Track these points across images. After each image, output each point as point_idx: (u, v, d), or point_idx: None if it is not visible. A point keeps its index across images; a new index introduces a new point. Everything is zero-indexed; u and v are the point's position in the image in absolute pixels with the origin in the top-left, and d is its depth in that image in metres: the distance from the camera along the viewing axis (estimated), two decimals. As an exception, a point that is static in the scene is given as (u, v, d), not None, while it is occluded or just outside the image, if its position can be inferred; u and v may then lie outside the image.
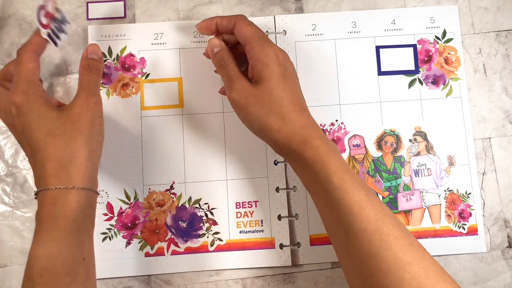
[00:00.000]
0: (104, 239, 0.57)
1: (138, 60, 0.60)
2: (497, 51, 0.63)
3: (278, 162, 0.59)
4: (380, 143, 0.60)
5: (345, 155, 0.60)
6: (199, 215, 0.58)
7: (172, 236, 0.58)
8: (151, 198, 0.58)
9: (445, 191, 0.60)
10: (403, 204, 0.59)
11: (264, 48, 0.48)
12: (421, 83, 0.61)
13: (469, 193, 0.60)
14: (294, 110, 0.47)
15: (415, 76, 0.62)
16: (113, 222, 0.57)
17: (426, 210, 0.59)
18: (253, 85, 0.48)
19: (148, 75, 0.60)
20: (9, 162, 0.59)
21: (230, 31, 0.52)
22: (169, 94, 0.60)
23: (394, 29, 0.62)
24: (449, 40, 0.62)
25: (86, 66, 0.49)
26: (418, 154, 0.60)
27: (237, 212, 0.59)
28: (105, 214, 0.58)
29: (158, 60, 0.61)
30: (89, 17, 0.61)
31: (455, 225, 0.59)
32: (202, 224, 0.58)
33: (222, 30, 0.53)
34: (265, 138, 0.49)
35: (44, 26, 0.49)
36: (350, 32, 0.62)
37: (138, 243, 0.57)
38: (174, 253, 0.57)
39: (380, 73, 0.61)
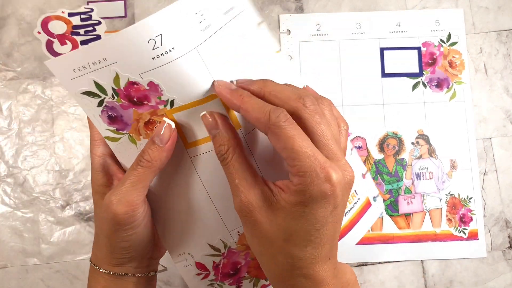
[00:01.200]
0: None
1: (147, 87, 0.38)
2: (498, 50, 0.63)
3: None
4: (382, 145, 0.60)
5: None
6: None
7: None
8: (245, 239, 0.46)
9: (446, 195, 0.60)
10: (404, 207, 0.59)
11: (314, 181, 0.30)
12: (424, 86, 0.61)
13: (471, 198, 0.60)
14: (312, 267, 0.33)
15: (419, 79, 0.61)
16: (211, 277, 0.47)
17: (427, 213, 0.59)
18: (265, 211, 0.33)
19: (172, 102, 0.40)
20: (9, 163, 0.58)
21: None
22: None
23: (399, 31, 0.62)
24: (454, 43, 0.62)
25: (144, 156, 0.38)
26: (420, 157, 0.60)
27: None
28: (199, 274, 0.47)
29: (176, 78, 0.38)
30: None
31: (456, 230, 0.59)
32: None
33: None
34: None
35: None
36: (355, 33, 0.61)
37: (250, 282, 0.49)
38: None
39: (384, 75, 0.61)
